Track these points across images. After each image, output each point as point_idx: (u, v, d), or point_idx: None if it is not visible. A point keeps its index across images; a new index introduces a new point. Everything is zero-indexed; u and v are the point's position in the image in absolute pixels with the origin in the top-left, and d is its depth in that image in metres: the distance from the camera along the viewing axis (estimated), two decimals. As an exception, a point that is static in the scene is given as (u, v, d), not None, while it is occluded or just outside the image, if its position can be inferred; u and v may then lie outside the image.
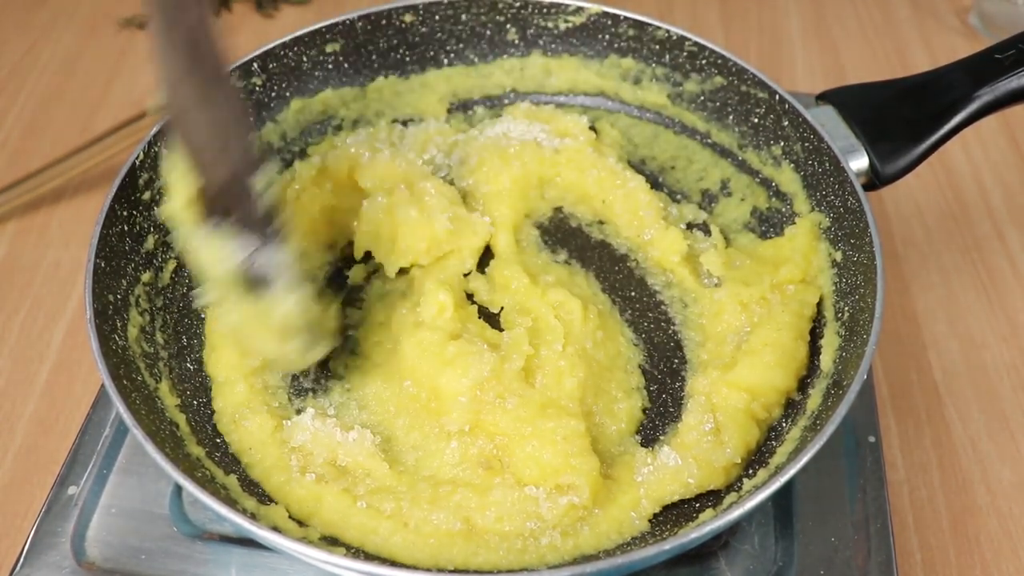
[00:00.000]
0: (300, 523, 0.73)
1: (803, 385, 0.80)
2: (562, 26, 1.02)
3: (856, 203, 0.80)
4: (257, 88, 0.96)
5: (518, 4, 1.01)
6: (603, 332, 0.84)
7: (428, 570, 0.70)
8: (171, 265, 0.88)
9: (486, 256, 0.93)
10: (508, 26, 1.03)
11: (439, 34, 1.02)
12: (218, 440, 0.78)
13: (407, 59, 1.03)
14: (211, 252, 0.71)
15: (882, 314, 0.72)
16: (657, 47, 0.99)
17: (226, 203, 0.70)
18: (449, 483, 0.74)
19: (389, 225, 0.91)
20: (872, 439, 0.82)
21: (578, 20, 1.01)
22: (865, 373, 0.69)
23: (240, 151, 0.70)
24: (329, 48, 0.99)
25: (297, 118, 0.99)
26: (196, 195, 0.70)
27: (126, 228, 0.83)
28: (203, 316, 0.87)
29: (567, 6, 1.00)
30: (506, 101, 1.05)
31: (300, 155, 0.99)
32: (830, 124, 0.85)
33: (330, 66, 1.00)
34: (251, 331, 0.76)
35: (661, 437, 0.80)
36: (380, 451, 0.76)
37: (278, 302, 0.73)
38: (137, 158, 0.84)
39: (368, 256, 0.93)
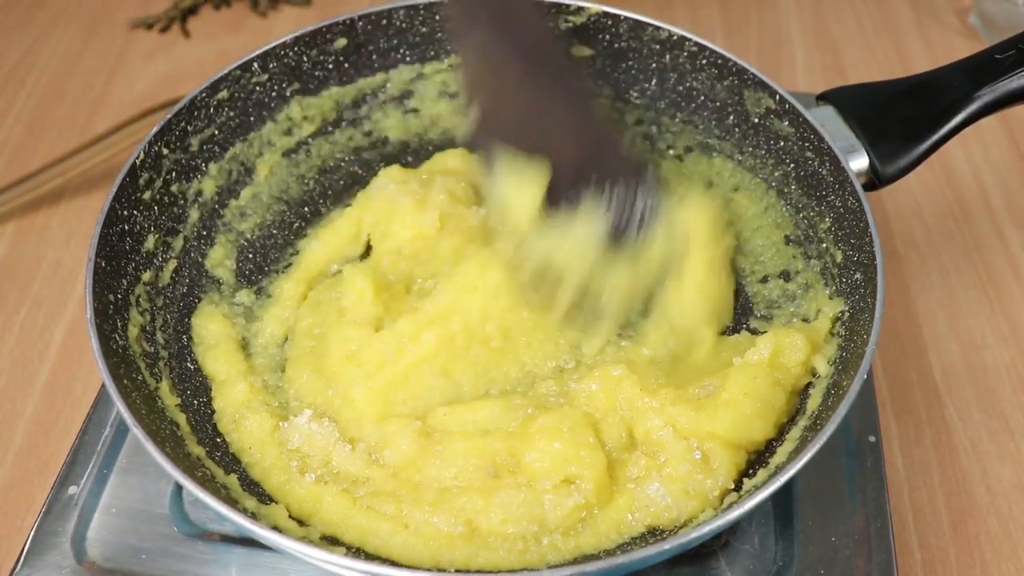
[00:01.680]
0: (300, 523, 0.73)
1: (802, 390, 0.80)
2: (562, 26, 1.02)
3: (856, 203, 0.80)
4: (257, 88, 0.96)
5: (518, 4, 1.01)
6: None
7: (428, 570, 0.70)
8: (171, 265, 0.88)
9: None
10: (508, 26, 1.03)
11: (439, 34, 1.02)
12: (218, 440, 0.79)
13: (407, 59, 1.03)
14: (574, 233, 0.77)
15: (882, 314, 0.72)
16: (657, 47, 0.99)
17: (584, 174, 0.77)
18: (453, 486, 0.74)
19: (386, 211, 0.91)
20: (872, 439, 0.82)
21: (578, 20, 1.01)
22: (865, 373, 0.69)
23: (597, 114, 0.79)
24: (330, 47, 0.99)
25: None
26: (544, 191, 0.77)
27: (126, 228, 0.83)
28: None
29: (567, 6, 1.00)
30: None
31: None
32: (830, 124, 0.85)
33: (331, 65, 1.00)
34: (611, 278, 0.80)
35: None
36: (375, 461, 0.76)
37: (650, 242, 0.79)
38: (137, 158, 0.84)
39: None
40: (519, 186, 0.79)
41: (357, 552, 0.71)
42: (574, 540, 0.71)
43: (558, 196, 0.78)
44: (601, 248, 0.78)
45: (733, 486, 0.74)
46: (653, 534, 0.72)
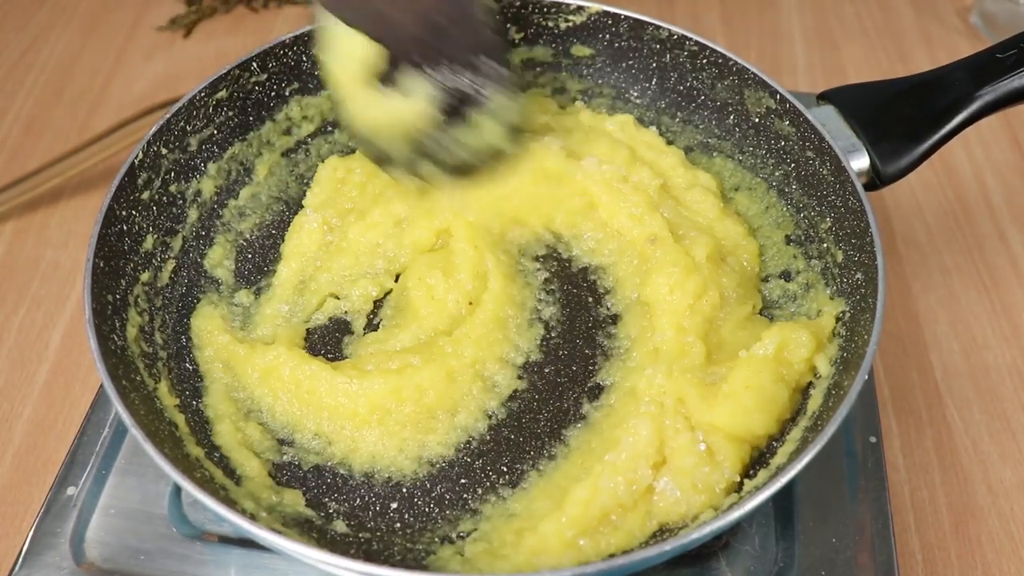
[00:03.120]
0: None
1: (804, 388, 0.80)
2: (563, 25, 1.02)
3: (857, 203, 0.80)
4: (257, 88, 0.96)
5: (518, 3, 1.01)
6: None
7: (428, 570, 0.69)
8: (170, 265, 0.88)
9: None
10: (508, 25, 1.02)
11: (439, 33, 1.02)
12: (217, 440, 0.78)
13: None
14: (393, 107, 0.77)
15: (883, 314, 0.72)
16: (657, 47, 0.99)
17: (420, 47, 0.75)
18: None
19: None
20: (873, 439, 0.82)
21: (578, 19, 1.01)
22: (866, 373, 0.68)
23: None
24: (329, 47, 0.99)
25: None
26: (368, 56, 0.76)
27: (125, 228, 0.83)
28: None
29: (568, 5, 1.00)
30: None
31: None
32: (831, 124, 0.85)
33: (330, 65, 1.00)
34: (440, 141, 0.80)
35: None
36: None
37: (488, 119, 0.78)
38: (136, 157, 0.84)
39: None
40: (347, 47, 0.80)
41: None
42: (604, 540, 0.70)
43: (390, 68, 0.78)
44: (430, 119, 0.79)
45: (738, 480, 0.73)
46: (663, 532, 0.72)
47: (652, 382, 0.77)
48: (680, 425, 0.74)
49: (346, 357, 0.85)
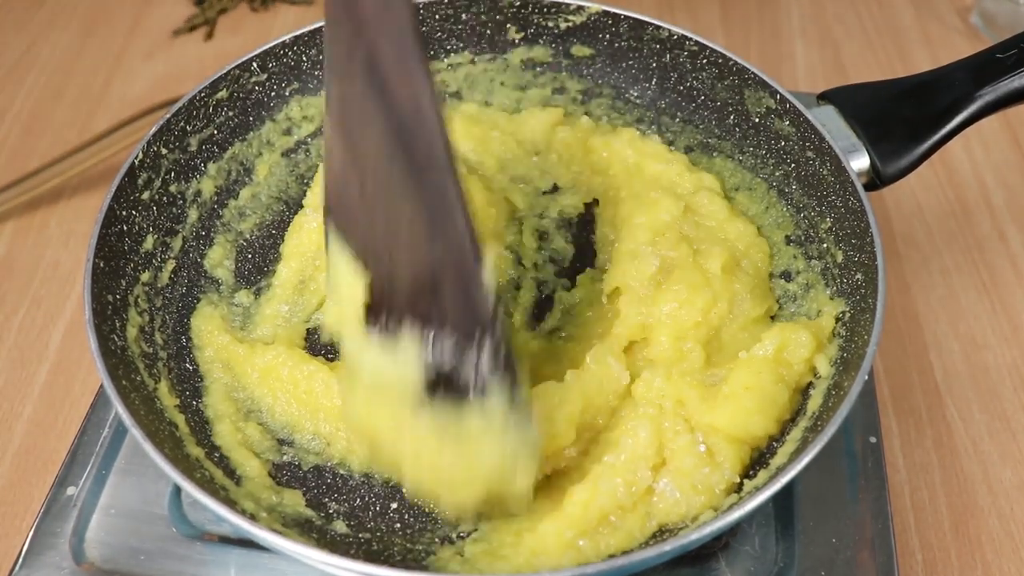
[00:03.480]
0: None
1: (804, 389, 0.80)
2: (563, 25, 1.02)
3: (857, 203, 0.80)
4: (257, 88, 0.96)
5: (518, 3, 1.01)
6: None
7: (428, 570, 0.69)
8: (170, 265, 0.88)
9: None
10: (508, 25, 1.02)
11: (439, 33, 1.02)
12: (217, 441, 0.78)
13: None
14: (389, 360, 0.64)
15: (883, 315, 0.72)
16: (657, 47, 0.99)
17: (415, 301, 0.62)
18: None
19: None
20: (873, 440, 0.82)
21: (578, 19, 1.01)
22: (866, 374, 0.68)
23: (456, 239, 0.59)
24: (329, 47, 0.99)
25: None
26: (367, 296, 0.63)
27: (125, 228, 0.83)
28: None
29: (568, 5, 1.00)
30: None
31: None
32: (831, 124, 0.85)
33: (330, 65, 1.00)
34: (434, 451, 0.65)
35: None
36: None
37: (481, 413, 0.64)
38: (136, 157, 0.84)
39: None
40: (346, 280, 0.68)
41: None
42: (604, 541, 0.70)
43: (379, 314, 0.65)
44: (418, 393, 0.65)
45: (738, 480, 0.73)
46: (662, 533, 0.72)
47: (650, 385, 0.76)
48: (680, 427, 0.74)
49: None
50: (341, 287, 0.67)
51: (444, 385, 0.64)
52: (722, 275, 0.83)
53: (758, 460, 0.76)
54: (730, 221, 0.90)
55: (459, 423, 0.65)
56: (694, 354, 0.79)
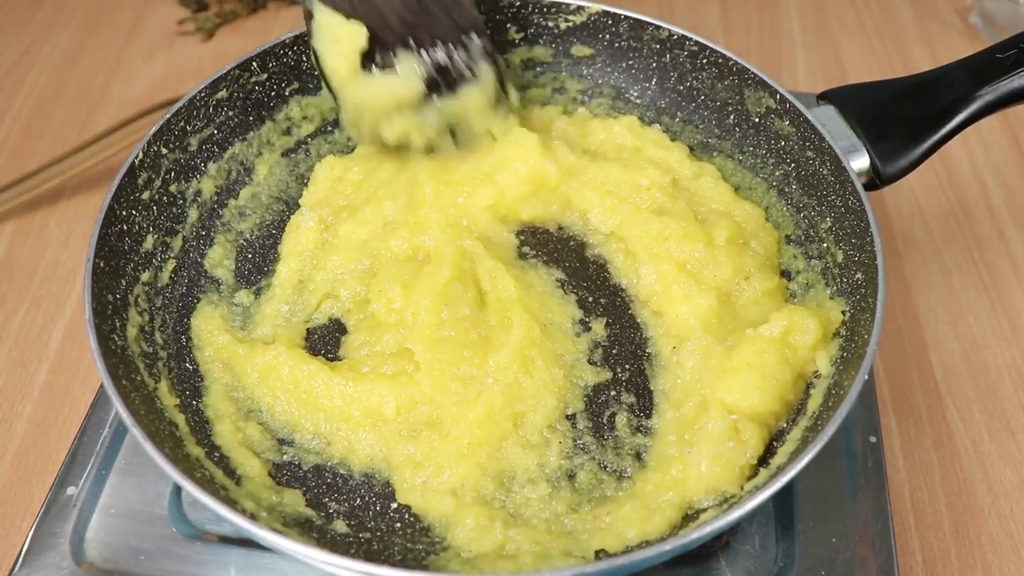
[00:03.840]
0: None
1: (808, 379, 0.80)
2: (563, 25, 1.02)
3: (857, 203, 0.80)
4: (257, 87, 0.96)
5: (518, 3, 1.01)
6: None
7: (428, 570, 0.69)
8: (170, 265, 0.88)
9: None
10: (508, 25, 1.02)
11: (439, 33, 1.02)
12: (217, 440, 0.78)
13: (407, 58, 1.03)
14: (392, 83, 0.85)
15: (883, 314, 0.72)
16: (657, 47, 0.99)
17: (405, 31, 0.83)
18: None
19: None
20: (873, 439, 0.82)
21: (578, 19, 1.01)
22: (866, 373, 0.68)
23: None
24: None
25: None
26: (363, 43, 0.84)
27: (125, 228, 0.83)
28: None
29: (567, 5, 1.00)
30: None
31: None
32: (831, 124, 0.85)
33: (330, 65, 1.00)
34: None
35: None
36: None
37: (478, 89, 0.88)
38: (136, 157, 0.84)
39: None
40: (336, 38, 0.86)
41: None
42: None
43: (374, 54, 0.85)
44: (418, 97, 0.87)
45: (756, 464, 0.74)
46: (686, 518, 0.72)
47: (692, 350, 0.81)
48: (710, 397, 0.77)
49: (341, 358, 0.85)
50: (339, 42, 0.85)
51: (443, 83, 0.87)
52: (727, 246, 0.85)
53: (767, 451, 0.76)
54: (736, 203, 0.91)
55: (459, 103, 0.89)
56: (706, 302, 0.82)
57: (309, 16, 0.87)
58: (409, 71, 0.86)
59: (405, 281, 0.85)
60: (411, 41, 0.85)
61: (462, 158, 0.93)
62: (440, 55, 0.86)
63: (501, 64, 0.90)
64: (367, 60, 0.86)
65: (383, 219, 0.91)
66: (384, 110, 0.88)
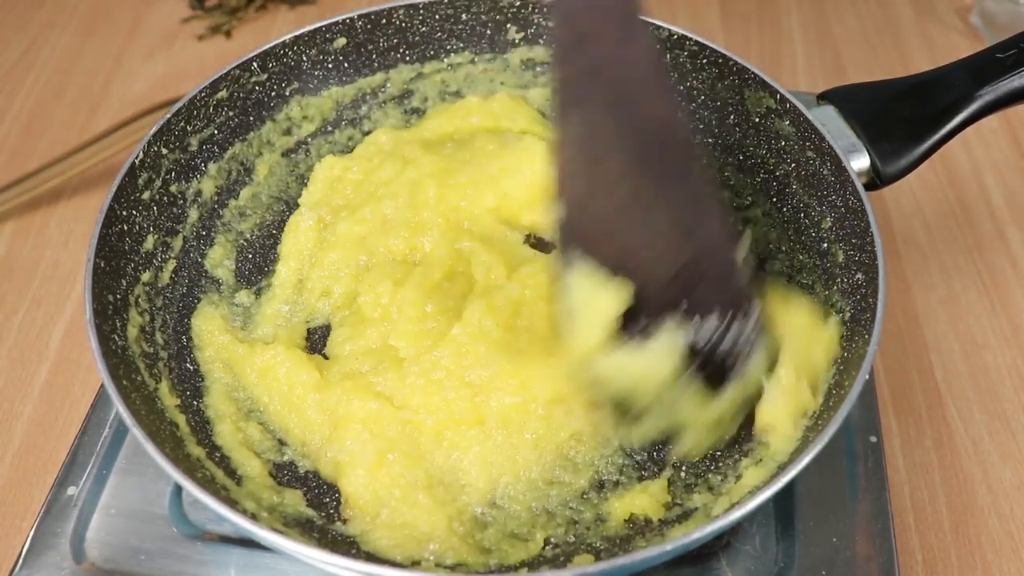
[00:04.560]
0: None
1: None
2: (562, 25, 1.02)
3: (857, 203, 0.80)
4: (257, 88, 0.96)
5: (518, 3, 1.01)
6: None
7: (425, 571, 0.69)
8: (171, 265, 0.88)
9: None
10: (508, 25, 1.02)
11: (439, 33, 1.02)
12: (218, 441, 0.78)
13: (407, 58, 1.03)
14: (648, 359, 0.67)
15: (884, 314, 0.72)
16: (657, 47, 0.99)
17: (673, 297, 0.66)
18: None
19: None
20: (873, 439, 0.82)
21: (579, 19, 1.01)
22: (866, 374, 0.68)
23: (713, 234, 0.65)
24: (329, 47, 0.99)
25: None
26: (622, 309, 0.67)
27: (125, 228, 0.83)
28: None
29: (568, 5, 1.00)
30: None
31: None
32: (831, 124, 0.85)
33: (330, 65, 1.00)
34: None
35: None
36: None
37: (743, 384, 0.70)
38: (136, 157, 0.84)
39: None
40: (594, 300, 0.70)
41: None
42: None
43: (637, 319, 0.68)
44: (674, 380, 0.70)
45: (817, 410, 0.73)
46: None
47: None
48: None
49: (327, 357, 0.85)
50: (596, 306, 0.69)
51: (705, 363, 0.69)
52: None
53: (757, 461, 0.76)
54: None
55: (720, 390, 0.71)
56: None
57: (563, 265, 0.72)
58: (671, 345, 0.68)
59: (397, 279, 0.85)
60: (682, 308, 0.67)
61: (465, 161, 0.93)
62: (711, 328, 0.68)
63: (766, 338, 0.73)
64: (627, 325, 0.70)
65: (382, 218, 0.91)
66: (639, 386, 0.71)
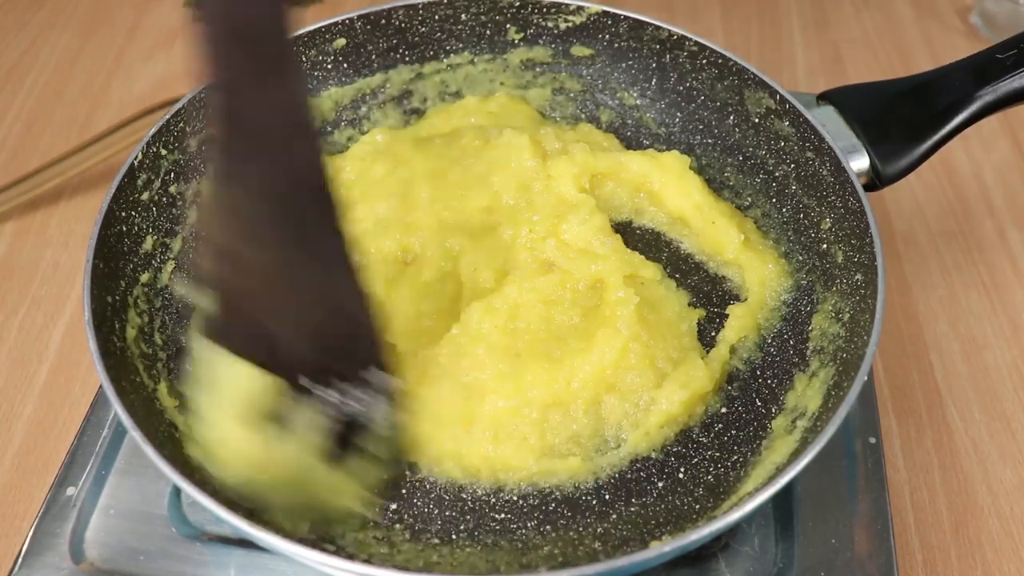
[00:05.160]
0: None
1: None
2: (562, 25, 1.02)
3: (857, 203, 0.80)
4: (256, 88, 0.96)
5: (518, 3, 1.01)
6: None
7: (423, 571, 0.69)
8: (170, 266, 0.88)
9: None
10: (508, 26, 1.02)
11: (438, 34, 1.02)
12: (217, 441, 0.78)
13: (406, 58, 1.03)
14: (285, 444, 0.62)
15: (883, 315, 0.72)
16: (657, 47, 0.99)
17: (310, 366, 0.61)
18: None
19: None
20: (873, 440, 0.82)
21: (578, 20, 1.01)
22: (866, 374, 0.68)
23: (348, 284, 0.62)
24: (328, 47, 0.99)
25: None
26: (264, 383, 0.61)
27: (124, 229, 0.83)
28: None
29: (567, 5, 1.00)
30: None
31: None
32: (831, 124, 0.85)
33: (329, 65, 1.00)
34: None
35: None
36: None
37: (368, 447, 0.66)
38: (136, 158, 0.84)
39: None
40: (227, 391, 0.64)
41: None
42: None
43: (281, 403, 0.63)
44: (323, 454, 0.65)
45: None
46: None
47: None
48: None
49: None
50: (221, 386, 0.63)
51: (349, 433, 0.64)
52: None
53: (757, 461, 0.76)
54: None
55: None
56: None
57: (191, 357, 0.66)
58: (303, 423, 0.64)
59: (389, 279, 0.85)
60: (308, 382, 0.63)
61: (455, 160, 0.93)
62: (340, 398, 0.64)
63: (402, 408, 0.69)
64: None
65: (374, 218, 0.91)
66: (275, 476, 0.65)
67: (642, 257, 0.87)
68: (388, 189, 0.92)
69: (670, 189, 0.92)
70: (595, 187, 0.93)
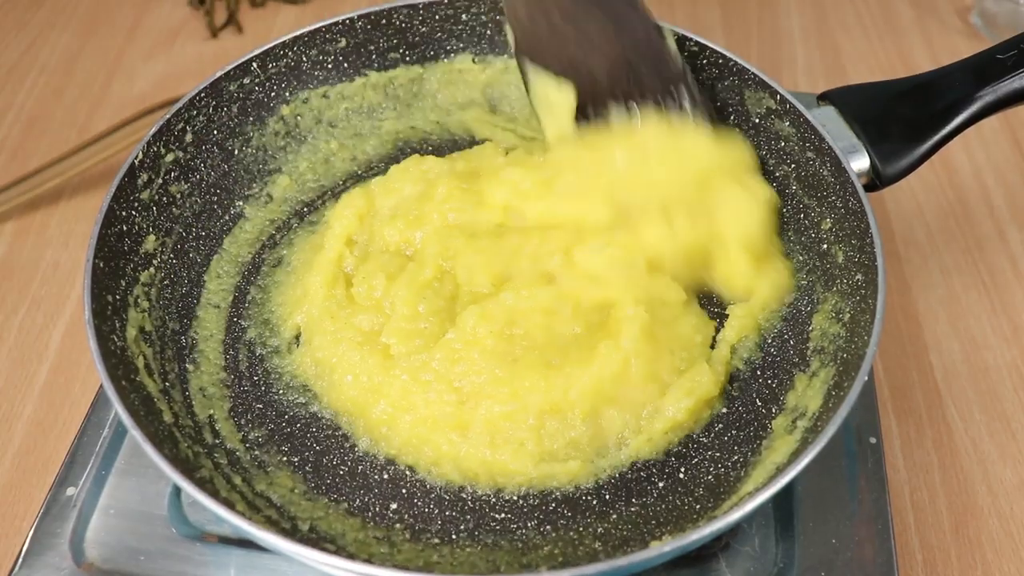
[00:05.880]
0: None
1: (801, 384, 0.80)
2: (562, 25, 1.02)
3: (857, 204, 0.80)
4: (257, 88, 0.96)
5: (518, 3, 1.01)
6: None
7: (422, 571, 0.69)
8: (169, 266, 0.87)
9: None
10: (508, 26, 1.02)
11: (439, 33, 1.02)
12: (217, 441, 0.78)
13: (407, 59, 1.03)
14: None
15: (883, 315, 0.72)
16: (658, 47, 0.99)
17: (614, 88, 0.85)
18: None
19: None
20: (873, 440, 0.82)
21: (578, 19, 1.01)
22: (866, 374, 0.68)
23: (639, 28, 0.84)
24: (329, 47, 0.99)
25: None
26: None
27: (125, 228, 0.83)
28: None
29: (567, 5, 1.00)
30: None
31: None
32: (831, 124, 0.85)
33: (330, 65, 1.00)
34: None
35: None
36: None
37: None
38: (136, 157, 0.84)
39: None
40: (548, 97, 0.88)
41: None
42: None
43: (585, 112, 0.87)
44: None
45: None
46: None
47: None
48: None
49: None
50: (552, 104, 0.88)
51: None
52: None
53: (756, 461, 0.76)
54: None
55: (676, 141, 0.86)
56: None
57: (524, 74, 0.91)
58: (621, 123, 0.86)
59: (390, 273, 0.85)
60: (620, 95, 0.86)
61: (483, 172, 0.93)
62: (650, 107, 0.86)
63: (710, 109, 0.89)
64: (580, 114, 0.88)
65: (393, 203, 0.91)
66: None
67: (667, 279, 0.85)
68: (413, 176, 0.92)
69: None
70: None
